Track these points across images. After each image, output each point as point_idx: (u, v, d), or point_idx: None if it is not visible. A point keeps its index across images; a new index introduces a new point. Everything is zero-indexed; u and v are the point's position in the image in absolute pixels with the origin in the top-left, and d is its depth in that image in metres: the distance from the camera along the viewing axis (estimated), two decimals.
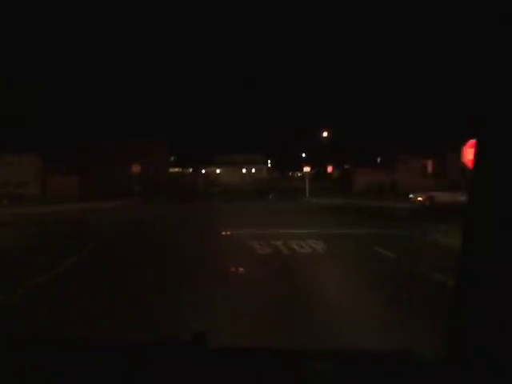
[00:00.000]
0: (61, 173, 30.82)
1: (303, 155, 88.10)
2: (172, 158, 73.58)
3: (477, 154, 1.16)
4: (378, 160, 44.08)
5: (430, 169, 36.49)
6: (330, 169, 46.67)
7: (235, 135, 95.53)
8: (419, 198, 23.04)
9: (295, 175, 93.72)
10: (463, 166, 10.59)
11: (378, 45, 50.36)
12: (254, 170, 75.57)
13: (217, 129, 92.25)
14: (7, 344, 1.49)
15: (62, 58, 39.04)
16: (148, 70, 78.72)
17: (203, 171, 70.78)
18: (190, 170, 73.31)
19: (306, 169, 34.71)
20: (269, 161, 79.16)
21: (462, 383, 1.17)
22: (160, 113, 69.10)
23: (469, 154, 9.92)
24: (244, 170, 73.41)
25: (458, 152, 12.06)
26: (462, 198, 17.12)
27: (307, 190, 31.69)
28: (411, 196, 23.85)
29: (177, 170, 64.35)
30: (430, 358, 1.35)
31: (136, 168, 28.62)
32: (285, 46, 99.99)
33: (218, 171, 71.50)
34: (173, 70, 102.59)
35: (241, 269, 8.30)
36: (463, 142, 10.22)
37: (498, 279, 1.11)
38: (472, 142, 9.67)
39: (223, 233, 13.51)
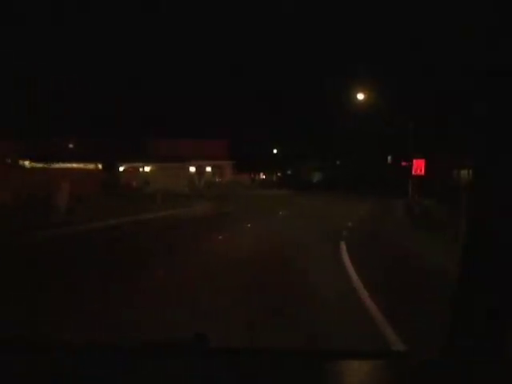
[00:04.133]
0: None
1: (274, 151, 67.97)
2: (71, 146, 42.73)
3: (476, 155, 1.21)
4: None
5: None
6: (418, 169, 10.46)
7: (177, 117, 57.43)
8: None
9: (256, 178, 69.08)
10: None
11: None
12: (209, 169, 46.15)
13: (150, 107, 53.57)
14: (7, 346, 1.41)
15: None
16: None
17: (121, 169, 40.31)
18: (100, 166, 41.42)
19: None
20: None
21: (461, 383, 1.16)
22: None
23: None
24: (192, 169, 43.73)
25: None
26: None
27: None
28: None
29: (39, 165, 31.44)
30: (430, 357, 1.31)
31: None
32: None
33: (146, 170, 41.45)
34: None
35: None
36: None
37: (498, 280, 1.10)
38: None
39: None
